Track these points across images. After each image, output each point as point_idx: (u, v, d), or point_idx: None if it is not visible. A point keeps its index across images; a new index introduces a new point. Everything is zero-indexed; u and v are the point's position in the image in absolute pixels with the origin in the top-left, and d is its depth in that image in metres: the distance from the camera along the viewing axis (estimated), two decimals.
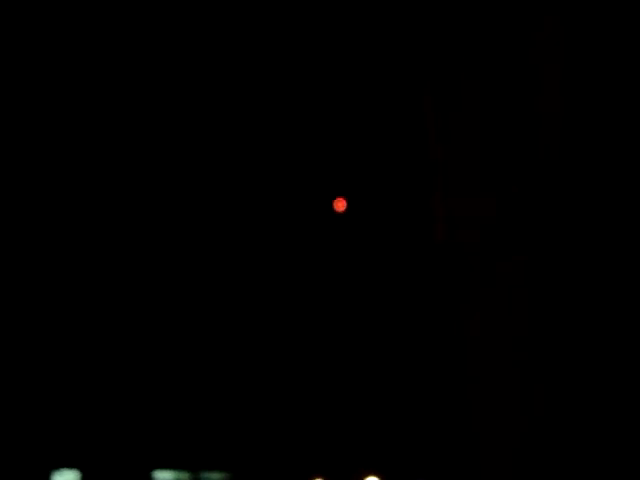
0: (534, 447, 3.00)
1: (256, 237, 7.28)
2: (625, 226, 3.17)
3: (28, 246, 8.46)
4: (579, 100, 3.30)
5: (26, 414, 10.71)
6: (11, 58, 6.97)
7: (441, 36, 3.71)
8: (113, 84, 7.14)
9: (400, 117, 5.60)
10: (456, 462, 3.15)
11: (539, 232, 3.37)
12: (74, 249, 8.48)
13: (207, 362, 9.19)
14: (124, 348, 8.38)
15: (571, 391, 3.08)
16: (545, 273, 3.32)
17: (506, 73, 3.48)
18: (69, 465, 13.21)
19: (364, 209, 6.37)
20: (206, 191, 7.70)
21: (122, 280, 8.21)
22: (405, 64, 5.09)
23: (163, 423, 10.55)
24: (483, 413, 3.07)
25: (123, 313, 8.47)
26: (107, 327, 8.41)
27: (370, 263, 6.04)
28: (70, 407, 10.68)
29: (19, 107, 7.41)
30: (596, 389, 3.12)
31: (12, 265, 8.30)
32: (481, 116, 3.60)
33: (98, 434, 11.25)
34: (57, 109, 7.57)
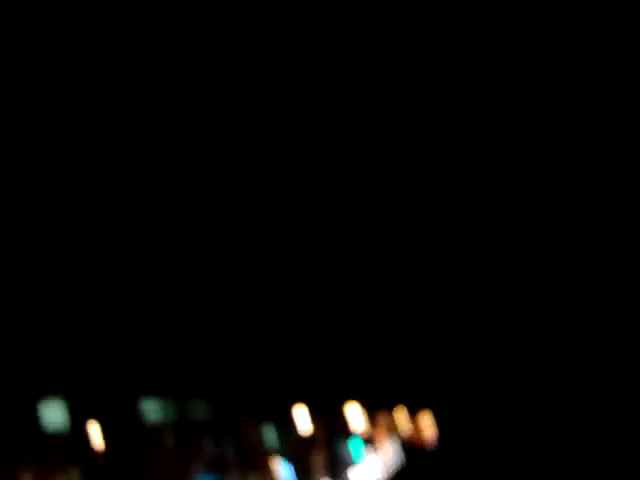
0: (523, 384, 3.04)
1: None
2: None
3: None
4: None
5: (13, 345, 10.85)
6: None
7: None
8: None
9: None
10: (440, 391, 3.26)
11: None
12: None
13: (193, 293, 9.36)
14: (113, 278, 8.50)
15: (564, 338, 3.13)
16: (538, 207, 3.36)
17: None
18: (56, 395, 13.44)
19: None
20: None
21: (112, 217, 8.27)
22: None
23: (150, 353, 10.75)
24: (468, 347, 3.13)
25: (112, 243, 8.57)
26: (96, 256, 8.52)
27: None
28: (57, 338, 10.84)
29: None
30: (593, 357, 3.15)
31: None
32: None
33: (85, 365, 11.44)
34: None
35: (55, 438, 28.01)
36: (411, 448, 60.05)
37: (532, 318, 3.25)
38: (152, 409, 30.58)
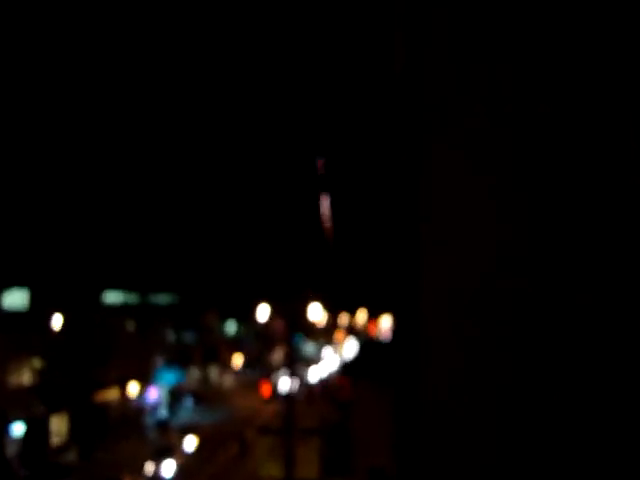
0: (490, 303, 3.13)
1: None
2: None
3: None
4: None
5: None
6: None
7: None
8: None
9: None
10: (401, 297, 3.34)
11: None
12: None
13: (154, 185, 9.38)
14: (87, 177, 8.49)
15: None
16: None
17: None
18: (19, 284, 13.58)
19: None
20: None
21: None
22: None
23: (113, 245, 10.84)
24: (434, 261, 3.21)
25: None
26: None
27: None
28: (21, 226, 10.83)
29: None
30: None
31: None
32: None
33: (49, 253, 11.51)
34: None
35: (17, 323, 28.32)
36: (367, 342, 61.22)
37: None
38: (114, 297, 30.96)
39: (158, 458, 29.48)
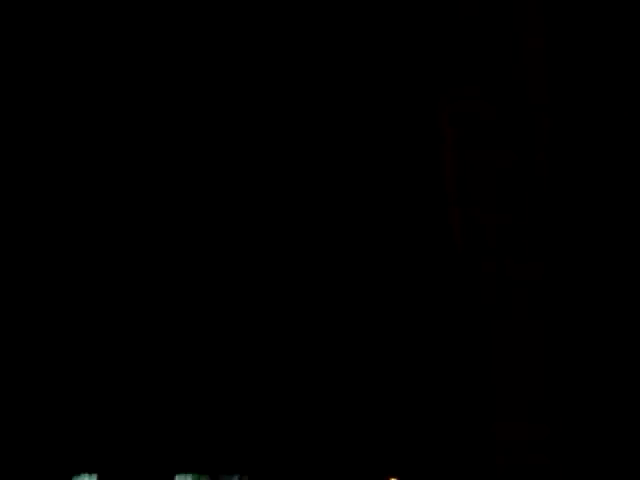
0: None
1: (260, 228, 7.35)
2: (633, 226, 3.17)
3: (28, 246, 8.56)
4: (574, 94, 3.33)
5: (46, 419, 10.79)
6: (11, 58, 7.07)
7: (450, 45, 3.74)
8: (113, 85, 7.22)
9: (415, 126, 5.66)
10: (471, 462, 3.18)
11: (554, 237, 3.41)
12: (73, 249, 8.58)
13: (222, 366, 9.27)
14: (139, 356, 8.47)
15: (584, 396, 3.10)
16: (560, 278, 3.35)
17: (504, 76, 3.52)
18: (88, 470, 13.33)
19: (380, 219, 6.43)
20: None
21: (124, 284, 8.30)
22: (417, 71, 5.14)
23: (181, 427, 10.66)
24: (504, 421, 3.09)
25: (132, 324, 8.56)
26: (118, 335, 8.50)
27: (388, 271, 6.10)
28: (89, 412, 10.77)
29: (19, 107, 7.51)
30: (609, 392, 3.14)
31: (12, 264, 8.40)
32: (493, 124, 3.64)
33: (117, 439, 11.35)
34: (57, 109, 7.66)
35: None
36: None
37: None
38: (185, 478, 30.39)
39: None
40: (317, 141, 6.32)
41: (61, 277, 8.44)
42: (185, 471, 13.05)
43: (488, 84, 3.45)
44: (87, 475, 14.15)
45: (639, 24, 3.18)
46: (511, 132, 3.51)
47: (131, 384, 9.75)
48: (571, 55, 3.30)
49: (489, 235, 3.51)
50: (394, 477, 7.41)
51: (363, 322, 7.49)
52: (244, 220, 7.69)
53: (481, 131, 3.53)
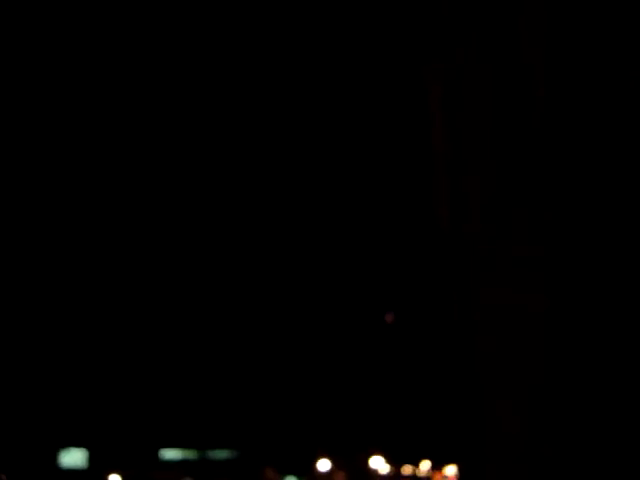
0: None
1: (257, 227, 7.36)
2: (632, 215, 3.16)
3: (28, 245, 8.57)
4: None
5: (33, 394, 10.84)
6: (11, 58, 7.05)
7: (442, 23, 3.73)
8: (113, 85, 7.21)
9: (404, 104, 5.66)
10: (464, 445, 3.19)
11: (547, 220, 3.40)
12: (74, 247, 8.60)
13: (213, 342, 9.32)
14: (134, 330, 8.51)
15: (580, 385, 3.09)
16: (552, 261, 3.35)
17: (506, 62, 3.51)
18: (77, 444, 13.41)
19: (369, 201, 6.45)
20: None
21: (124, 268, 8.32)
22: (407, 50, 5.12)
23: (170, 403, 10.72)
24: (492, 409, 3.08)
25: (129, 302, 8.60)
26: (114, 314, 8.54)
27: (375, 249, 6.12)
28: (78, 388, 10.81)
29: (19, 107, 7.50)
30: (608, 383, 3.13)
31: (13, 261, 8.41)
32: (487, 103, 3.63)
33: (106, 414, 11.43)
34: (57, 109, 7.65)
35: None
36: None
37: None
38: (172, 454, 30.45)
39: None
40: (302, 100, 6.30)
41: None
42: (173, 446, 13.14)
43: (482, 44, 3.45)
44: (76, 449, 14.23)
45: None
46: (506, 93, 3.50)
47: (120, 362, 9.82)
48: (568, 16, 3.29)
49: (477, 203, 3.51)
50: (370, 453, 7.47)
51: (349, 298, 7.51)
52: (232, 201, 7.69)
53: (473, 93, 3.52)
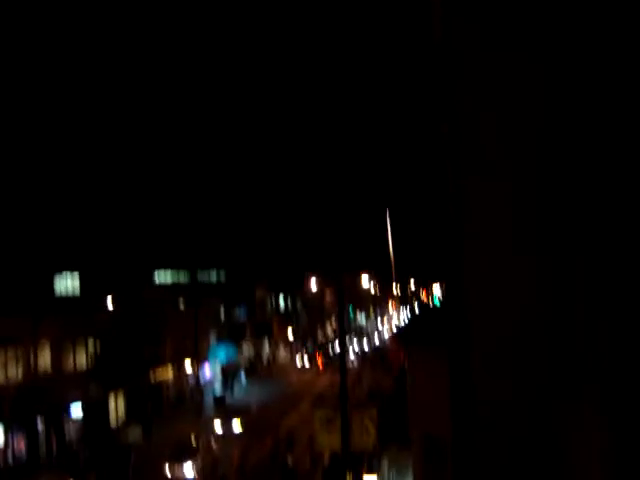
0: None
1: None
2: None
3: None
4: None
5: (26, 218, 10.95)
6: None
7: None
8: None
9: None
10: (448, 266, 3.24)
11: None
12: None
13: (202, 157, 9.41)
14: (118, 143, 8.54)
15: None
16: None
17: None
18: (69, 268, 13.69)
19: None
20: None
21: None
22: None
23: (161, 224, 10.90)
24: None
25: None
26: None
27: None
28: (70, 211, 10.91)
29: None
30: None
31: None
32: None
33: (97, 237, 11.63)
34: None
35: (71, 306, 28.62)
36: (420, 307, 60.93)
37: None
38: (165, 277, 31.19)
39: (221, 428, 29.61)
40: None
41: None
42: (164, 267, 13.50)
43: None
44: (69, 273, 14.53)
45: None
46: None
47: (114, 181, 9.88)
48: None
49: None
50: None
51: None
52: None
53: None
